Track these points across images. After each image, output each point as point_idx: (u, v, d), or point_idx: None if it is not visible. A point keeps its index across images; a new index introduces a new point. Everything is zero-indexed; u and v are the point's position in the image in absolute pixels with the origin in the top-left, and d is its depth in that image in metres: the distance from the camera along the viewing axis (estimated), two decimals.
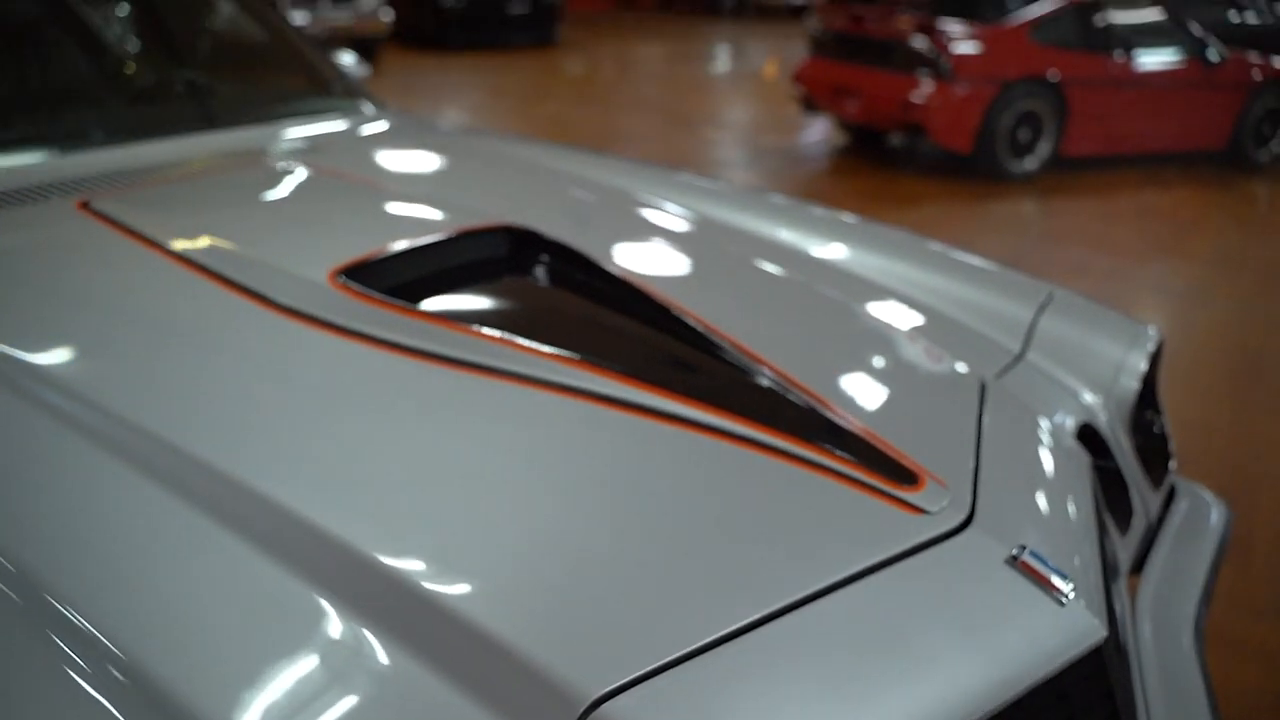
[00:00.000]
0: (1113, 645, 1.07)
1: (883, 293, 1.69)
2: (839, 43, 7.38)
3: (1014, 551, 1.01)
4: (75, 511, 0.93)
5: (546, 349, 1.19)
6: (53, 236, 1.49)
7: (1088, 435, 1.53)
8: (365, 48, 11.81)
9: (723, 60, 13.44)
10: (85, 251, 1.45)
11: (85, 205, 1.55)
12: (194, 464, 0.98)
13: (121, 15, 2.49)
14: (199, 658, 0.80)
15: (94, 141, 1.86)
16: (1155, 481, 1.64)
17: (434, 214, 1.60)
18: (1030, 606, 0.97)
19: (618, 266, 1.46)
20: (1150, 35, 7.26)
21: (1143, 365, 1.60)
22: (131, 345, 1.22)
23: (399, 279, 1.35)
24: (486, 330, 1.22)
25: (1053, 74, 6.72)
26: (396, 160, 2.03)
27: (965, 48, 6.63)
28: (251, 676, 0.79)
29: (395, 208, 1.66)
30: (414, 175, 1.88)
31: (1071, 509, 1.21)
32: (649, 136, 8.13)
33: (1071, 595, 0.99)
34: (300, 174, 1.78)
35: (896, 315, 1.60)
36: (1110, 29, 7.09)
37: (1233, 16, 9.12)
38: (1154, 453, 1.67)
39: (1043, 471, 1.27)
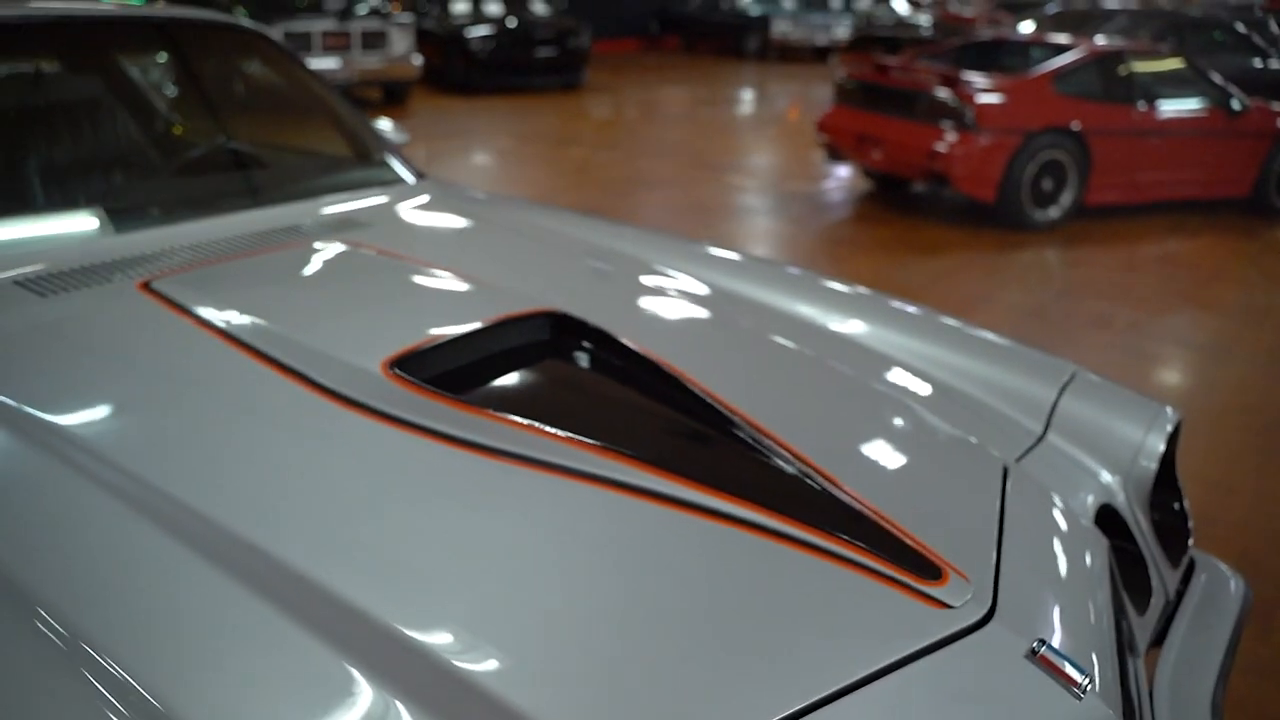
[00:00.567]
0: None
1: (905, 371, 1.74)
2: (863, 92, 7.47)
3: (1033, 645, 1.06)
4: (115, 573, 1.01)
5: (577, 437, 1.25)
6: (117, 317, 1.57)
7: (1107, 515, 1.58)
8: (396, 91, 12.07)
9: (746, 104, 13.58)
10: (147, 333, 1.52)
11: (146, 286, 1.63)
12: (244, 545, 1.05)
13: (169, 92, 2.59)
14: (239, 712, 0.86)
15: (149, 220, 1.95)
16: (1174, 559, 1.68)
17: (474, 297, 1.67)
18: (1048, 700, 1.02)
19: (645, 347, 1.52)
20: (1173, 85, 7.32)
21: (1160, 446, 1.65)
22: (194, 428, 1.29)
23: (444, 368, 1.41)
24: (522, 420, 1.28)
25: (1076, 124, 6.78)
26: (437, 237, 2.11)
27: (989, 98, 6.70)
28: None
29: (438, 291, 1.73)
30: (454, 253, 1.95)
31: (1089, 597, 1.25)
32: (673, 182, 8.22)
33: (1088, 687, 1.03)
34: (347, 253, 1.86)
35: (919, 395, 1.66)
36: (1133, 79, 7.15)
37: (1255, 65, 9.17)
38: (1173, 530, 1.72)
39: (1062, 560, 1.31)
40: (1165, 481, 1.74)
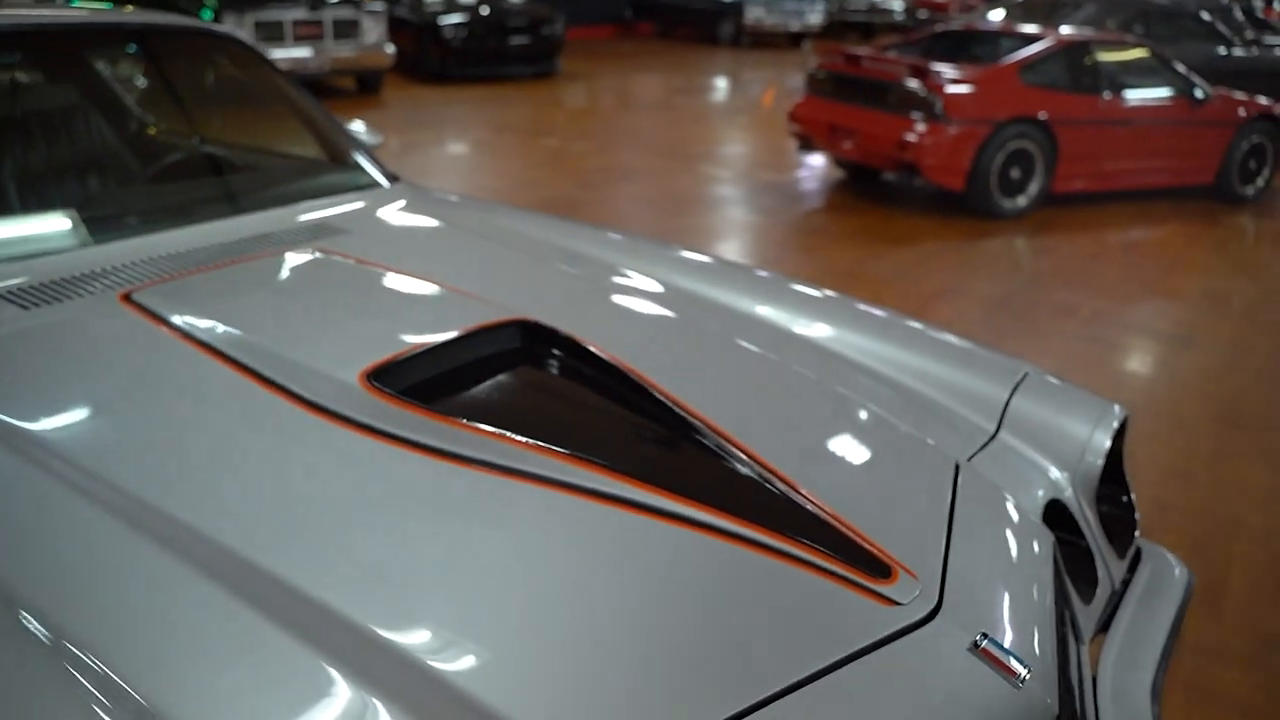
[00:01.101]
0: (1066, 716, 1.19)
1: (863, 373, 1.81)
2: (834, 83, 7.54)
3: (976, 639, 1.13)
4: (104, 581, 1.06)
5: (545, 445, 1.31)
6: (99, 329, 1.61)
7: (1056, 510, 1.65)
8: (369, 80, 12.03)
9: (720, 91, 13.62)
10: (128, 345, 1.57)
11: (126, 297, 1.68)
12: (223, 550, 1.10)
13: (145, 99, 2.62)
14: (220, 709, 0.92)
15: (127, 229, 1.98)
16: (1121, 550, 1.76)
17: (448, 306, 1.72)
18: (990, 691, 1.09)
19: (613, 354, 1.58)
20: (1138, 75, 7.43)
21: (1106, 443, 1.72)
22: (175, 438, 1.34)
23: (418, 378, 1.47)
24: (497, 429, 1.33)
25: (1043, 114, 6.87)
26: (412, 244, 2.16)
27: (957, 89, 6.78)
28: None
29: (413, 299, 1.78)
30: (429, 260, 2.00)
31: (1033, 590, 1.33)
32: (647, 172, 8.27)
33: (1027, 678, 1.11)
34: (323, 262, 1.91)
35: (878, 397, 1.72)
36: (1099, 69, 7.26)
37: (1219, 54, 9.30)
38: (1121, 522, 1.80)
39: (1007, 555, 1.39)
40: (1114, 476, 1.82)
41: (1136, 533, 1.80)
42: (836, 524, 1.27)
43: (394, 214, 2.31)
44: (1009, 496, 1.52)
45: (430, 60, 13.09)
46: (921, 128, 6.73)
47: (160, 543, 1.11)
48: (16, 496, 1.20)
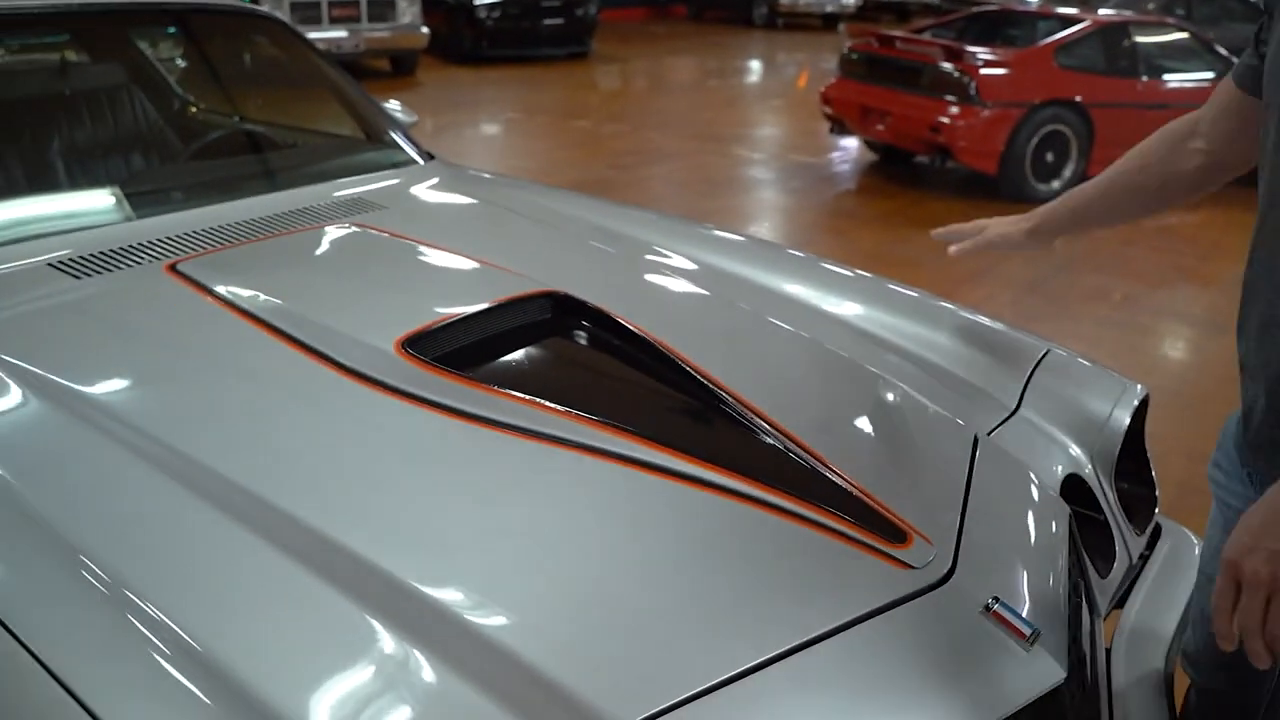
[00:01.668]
0: (1075, 685, 1.23)
1: (890, 350, 1.84)
2: (867, 64, 7.52)
3: (988, 602, 1.17)
4: (159, 534, 1.13)
5: (577, 411, 1.36)
6: (147, 297, 1.68)
7: (1075, 485, 1.68)
8: (403, 61, 12.11)
9: (753, 74, 13.59)
10: (175, 313, 1.63)
11: (172, 268, 1.74)
12: (268, 507, 1.16)
13: (187, 78, 2.69)
14: (269, 659, 0.97)
15: (171, 204, 2.05)
16: (1140, 526, 1.78)
17: (481, 278, 1.77)
18: (999, 652, 1.13)
19: (642, 327, 1.62)
20: (1177, 57, 7.35)
21: (1126, 420, 1.75)
22: (220, 401, 1.41)
23: (452, 346, 1.52)
24: (527, 395, 1.38)
25: (1079, 97, 6.83)
26: (446, 219, 2.22)
27: (991, 71, 6.75)
28: (315, 678, 0.96)
29: (447, 272, 1.84)
30: (462, 235, 2.05)
31: (1047, 559, 1.36)
32: (679, 154, 8.29)
33: (1035, 642, 1.14)
34: (359, 236, 1.96)
35: (903, 373, 1.76)
36: (1136, 52, 7.19)
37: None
38: (1141, 499, 1.82)
39: (1023, 524, 1.42)
40: (1134, 454, 1.84)
41: (1156, 510, 1.83)
42: (855, 491, 1.30)
43: (428, 190, 2.36)
44: (1027, 470, 1.55)
45: (464, 41, 13.13)
46: (954, 110, 6.71)
47: (211, 499, 1.17)
48: (75, 455, 1.26)
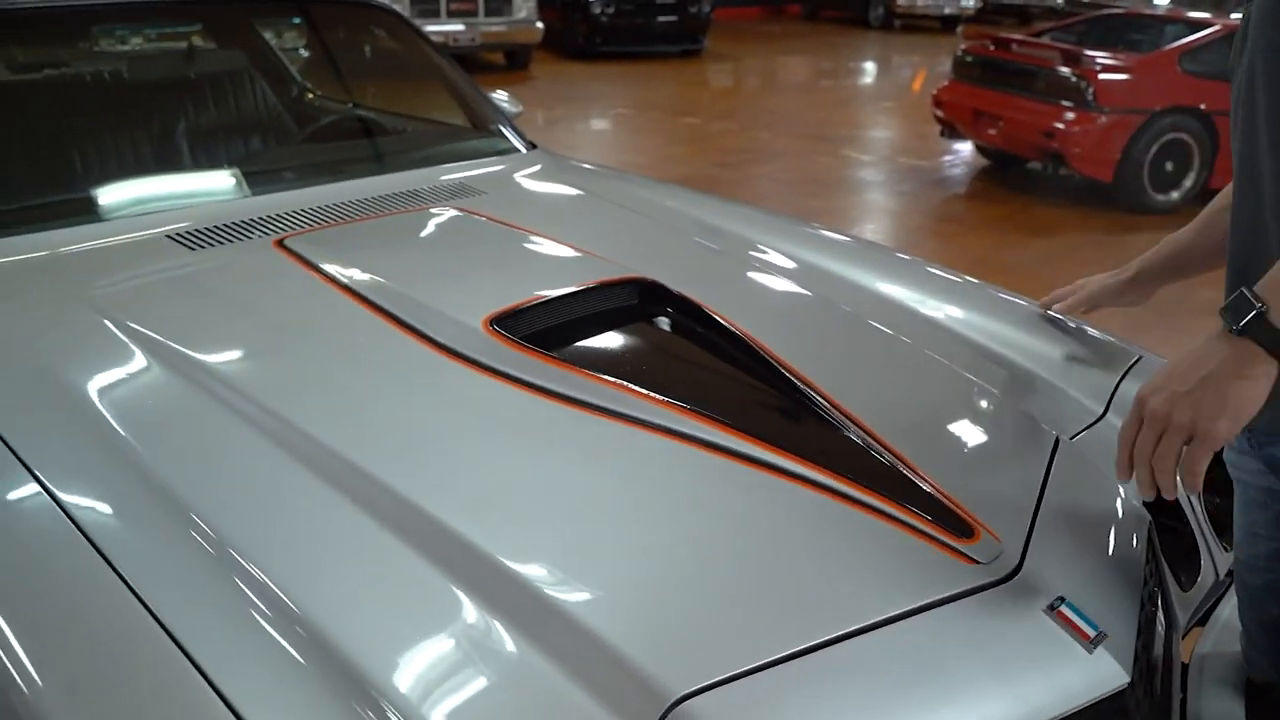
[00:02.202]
0: (1142, 693, 1.21)
1: (980, 353, 1.82)
2: (981, 67, 7.38)
3: (1052, 602, 1.17)
4: (262, 498, 1.19)
5: (659, 395, 1.39)
6: (256, 270, 1.77)
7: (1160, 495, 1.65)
8: (517, 55, 12.30)
9: (867, 75, 13.45)
10: (281, 286, 1.72)
11: (280, 244, 1.83)
12: (363, 475, 1.22)
13: (302, 64, 2.80)
14: (358, 623, 1.03)
15: (282, 183, 2.15)
16: (1230, 541, 1.74)
17: (573, 264, 1.82)
18: (1060, 652, 1.13)
19: (732, 320, 1.65)
20: None
21: None
22: (319, 371, 1.49)
23: (539, 326, 1.57)
24: (611, 377, 1.43)
25: (1203, 105, 6.59)
26: (545, 206, 2.27)
27: (1110, 76, 6.56)
28: (401, 644, 1.01)
29: (540, 256, 1.89)
30: (559, 222, 2.10)
31: (1120, 565, 1.34)
32: (787, 153, 8.26)
33: (1099, 644, 1.14)
34: (460, 219, 2.03)
35: (990, 375, 1.74)
36: None
37: None
38: (1232, 516, 1.77)
39: (1098, 529, 1.40)
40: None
41: None
42: (927, 485, 1.31)
43: (529, 178, 2.42)
44: (1107, 475, 1.53)
45: (577, 36, 13.28)
46: (1070, 115, 6.54)
47: (309, 465, 1.24)
48: (188, 418, 1.34)
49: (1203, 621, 1.62)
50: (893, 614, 1.11)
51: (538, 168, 2.49)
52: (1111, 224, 6.40)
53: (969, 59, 7.54)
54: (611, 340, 1.63)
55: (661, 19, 13.49)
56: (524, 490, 1.25)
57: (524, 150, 2.57)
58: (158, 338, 1.51)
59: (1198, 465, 1.10)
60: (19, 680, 0.95)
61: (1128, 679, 1.14)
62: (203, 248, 1.82)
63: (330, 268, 1.73)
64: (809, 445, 1.35)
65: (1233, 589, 1.68)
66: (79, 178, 2.15)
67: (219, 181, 2.15)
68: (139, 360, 1.46)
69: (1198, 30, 6.91)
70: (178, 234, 1.87)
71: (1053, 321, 1.98)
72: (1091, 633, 1.14)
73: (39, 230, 1.85)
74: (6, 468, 1.21)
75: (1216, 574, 1.68)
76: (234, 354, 1.53)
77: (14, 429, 1.27)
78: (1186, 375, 1.11)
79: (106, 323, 1.54)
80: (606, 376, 1.43)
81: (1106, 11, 8.51)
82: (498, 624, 1.04)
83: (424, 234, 1.99)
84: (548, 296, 1.62)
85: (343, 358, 1.52)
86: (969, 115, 7.30)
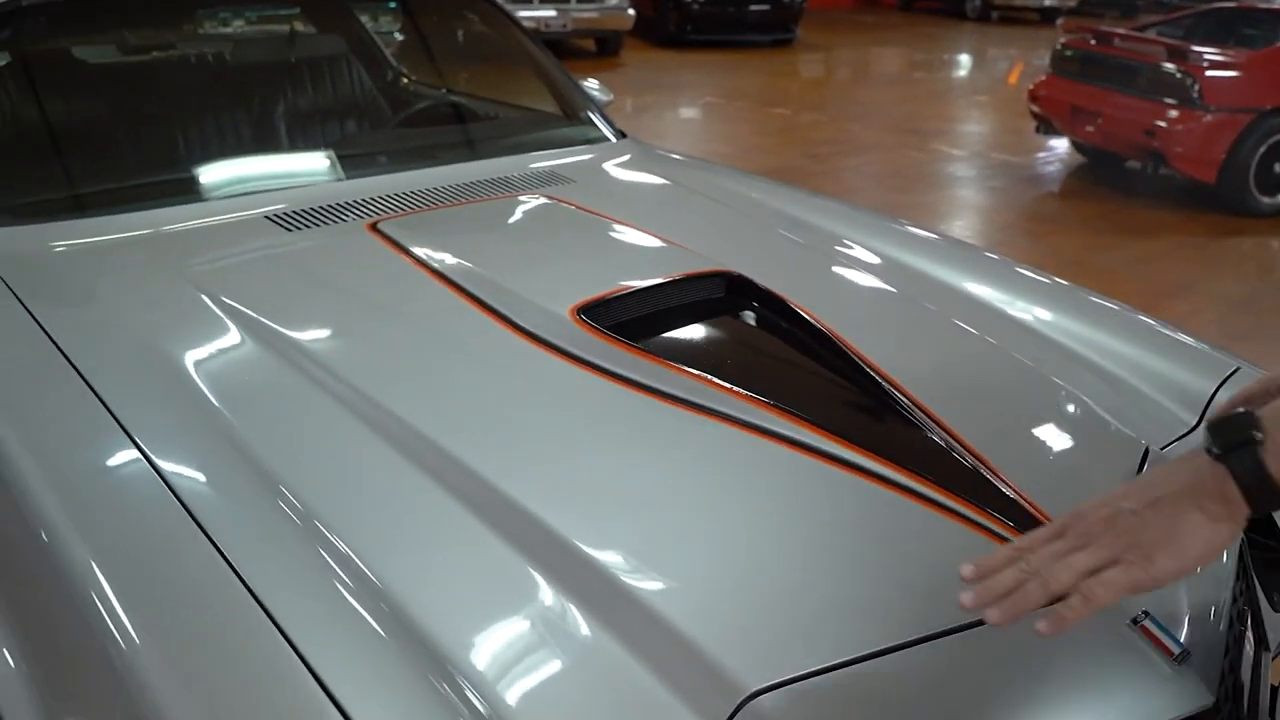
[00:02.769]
0: (1227, 714, 1.18)
1: (1070, 358, 1.78)
2: (1080, 61, 7.19)
3: (1136, 615, 1.15)
4: (348, 474, 1.23)
5: (743, 390, 1.39)
6: (349, 252, 1.82)
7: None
8: (608, 42, 12.33)
9: (962, 67, 13.20)
10: (373, 268, 1.76)
11: (373, 227, 1.87)
12: (446, 456, 1.24)
13: (398, 50, 2.85)
14: (437, 600, 1.05)
15: (376, 167, 2.20)
16: None
17: (660, 255, 1.82)
18: (1142, 667, 1.10)
19: (818, 316, 1.64)
20: None
21: None
22: (408, 353, 1.51)
23: (624, 316, 1.58)
24: (695, 370, 1.43)
25: None
26: (633, 196, 2.28)
27: (1218, 73, 6.34)
28: (479, 623, 1.03)
29: (627, 247, 1.90)
30: (647, 213, 2.11)
31: (1208, 582, 1.31)
32: (876, 146, 8.16)
33: (1184, 661, 1.11)
34: (549, 207, 2.05)
35: (1082, 383, 1.70)
36: None
37: None
38: None
39: None
40: None
41: None
42: (1011, 492, 1.29)
43: (618, 168, 2.43)
44: None
45: (669, 24, 13.26)
46: (1173, 113, 6.34)
47: (394, 443, 1.27)
48: (279, 393, 1.38)
49: None
50: (971, 620, 1.09)
51: (627, 157, 2.50)
52: (1213, 227, 6.20)
53: (1068, 53, 7.35)
54: (696, 333, 1.63)
55: (754, 7, 13.41)
56: (605, 478, 1.26)
57: (613, 139, 2.58)
58: (253, 315, 1.55)
59: (1106, 591, 0.89)
60: (117, 636, 0.99)
61: (1212, 699, 1.11)
62: (299, 229, 1.87)
63: (421, 251, 1.76)
64: (891, 445, 1.34)
65: None
66: (181, 159, 2.22)
67: (315, 164, 2.20)
68: (234, 335, 1.51)
69: None
70: (275, 215, 1.92)
71: (1146, 327, 1.93)
72: (1175, 649, 1.11)
73: (143, 209, 1.92)
74: (108, 433, 1.26)
75: None
76: (325, 332, 1.57)
77: (115, 396, 1.33)
78: (1140, 493, 0.91)
79: (205, 299, 1.59)
80: (690, 369, 1.43)
81: (1217, 5, 8.22)
82: (574, 609, 1.05)
83: (513, 221, 2.02)
84: (634, 287, 1.63)
85: (430, 341, 1.55)
86: (1066, 111, 7.13)
